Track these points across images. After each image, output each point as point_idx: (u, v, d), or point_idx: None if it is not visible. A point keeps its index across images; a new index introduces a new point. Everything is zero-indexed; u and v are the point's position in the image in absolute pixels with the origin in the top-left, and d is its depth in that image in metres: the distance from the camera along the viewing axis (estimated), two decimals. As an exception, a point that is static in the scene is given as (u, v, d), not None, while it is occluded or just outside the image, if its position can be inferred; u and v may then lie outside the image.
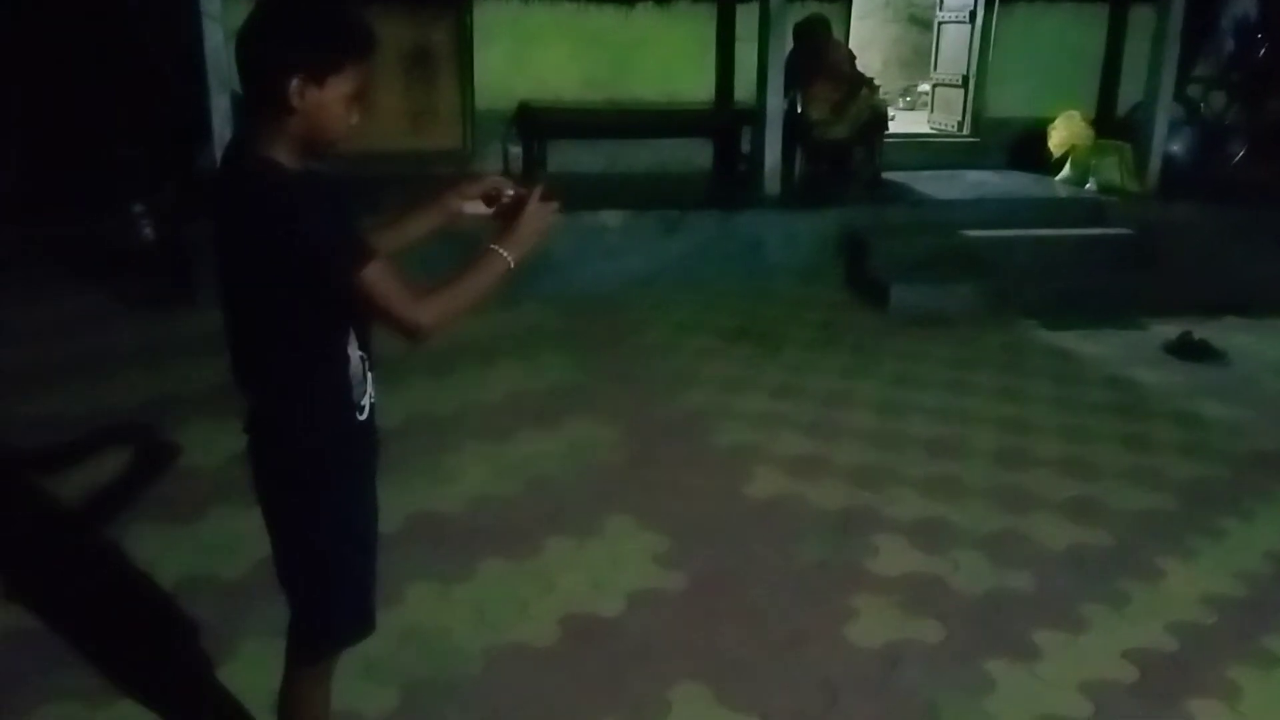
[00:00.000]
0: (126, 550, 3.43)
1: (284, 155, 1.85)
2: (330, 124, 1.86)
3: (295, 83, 1.79)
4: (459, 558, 3.43)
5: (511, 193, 2.11)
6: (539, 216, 2.02)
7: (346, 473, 2.04)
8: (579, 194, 7.31)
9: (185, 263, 6.18)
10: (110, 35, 7.28)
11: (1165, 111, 7.95)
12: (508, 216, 2.05)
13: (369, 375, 2.03)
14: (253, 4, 1.87)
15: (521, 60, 8.12)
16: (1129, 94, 8.85)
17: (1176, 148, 8.45)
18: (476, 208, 2.17)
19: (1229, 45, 9.00)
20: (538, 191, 2.05)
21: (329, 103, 1.83)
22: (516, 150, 8.00)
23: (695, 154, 8.64)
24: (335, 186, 1.93)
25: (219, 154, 6.34)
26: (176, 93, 6.93)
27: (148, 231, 6.42)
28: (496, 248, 1.95)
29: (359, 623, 2.14)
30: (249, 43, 1.82)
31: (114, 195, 6.63)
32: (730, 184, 8.22)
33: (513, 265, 1.95)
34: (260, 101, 1.83)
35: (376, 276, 1.79)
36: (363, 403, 2.02)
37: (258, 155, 1.84)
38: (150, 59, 7.26)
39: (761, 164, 7.41)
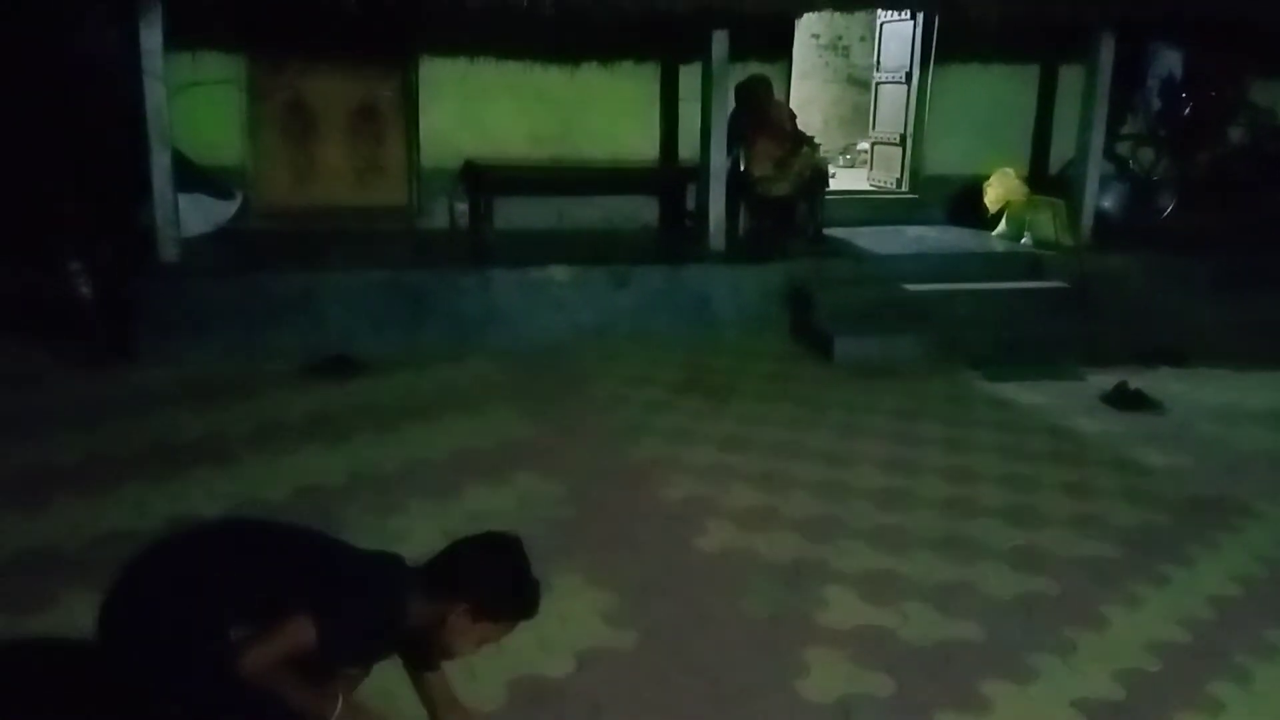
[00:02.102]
0: (60, 625, 3.31)
1: (415, 610, 2.25)
2: (453, 646, 2.29)
3: (462, 608, 2.22)
4: (405, 619, 3.36)
5: None
6: None
7: None
8: (527, 249, 7.35)
9: (123, 321, 6.08)
10: (50, 91, 7.19)
11: (1096, 168, 8.19)
12: None
13: None
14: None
15: (468, 117, 8.16)
16: (1061, 151, 9.11)
17: (1108, 202, 8.70)
18: None
19: (1155, 103, 9.32)
20: None
21: (468, 635, 2.27)
22: (463, 207, 8.02)
23: (641, 210, 8.71)
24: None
25: (159, 212, 6.33)
26: (116, 150, 6.86)
27: (85, 289, 6.30)
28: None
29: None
30: (460, 560, 2.32)
31: (51, 252, 6.51)
32: (676, 239, 8.30)
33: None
34: (433, 593, 2.26)
35: (295, 643, 2.09)
36: None
37: (406, 593, 2.26)
38: (90, 116, 7.18)
39: (706, 220, 7.50)
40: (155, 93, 6.25)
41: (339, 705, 2.14)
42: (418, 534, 4.03)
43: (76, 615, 3.30)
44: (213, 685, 2.09)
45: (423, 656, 2.44)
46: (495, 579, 2.28)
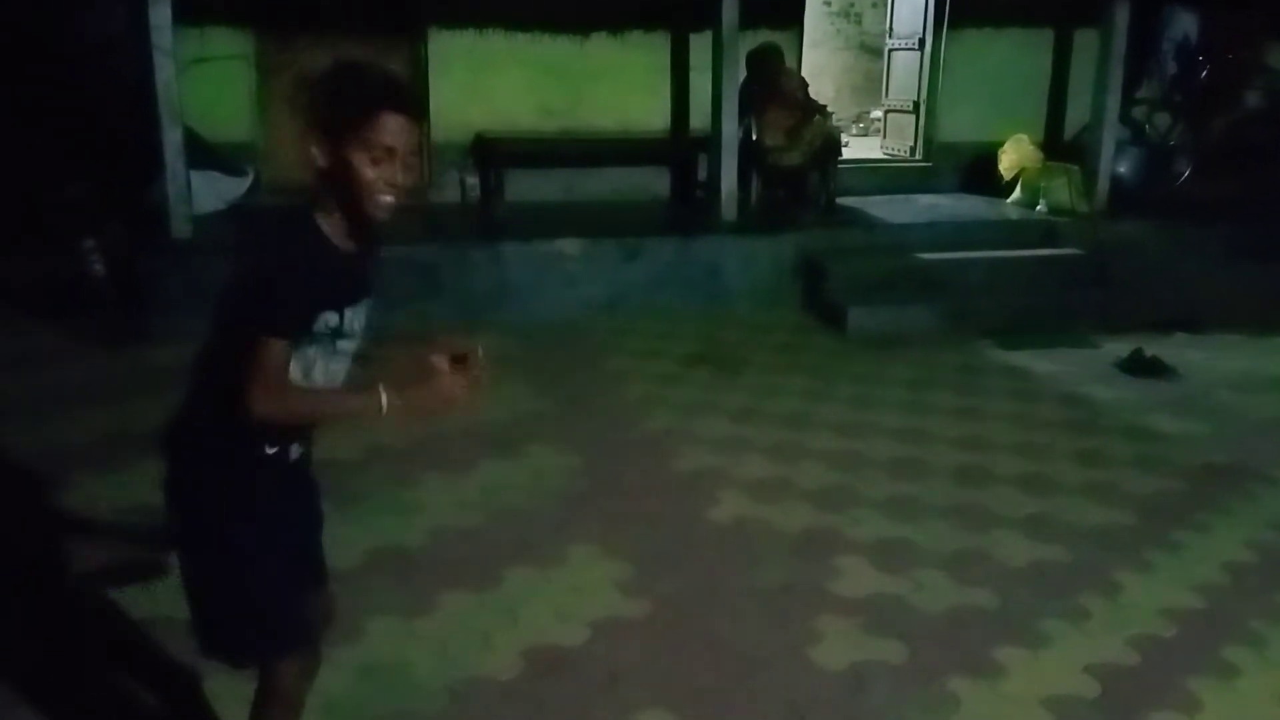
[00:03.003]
0: (85, 593, 3.36)
1: (325, 219, 1.95)
2: (354, 181, 1.91)
3: (317, 143, 1.91)
4: (420, 591, 3.39)
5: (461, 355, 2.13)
6: (445, 391, 2.03)
7: (258, 508, 2.06)
8: (537, 222, 7.34)
9: (137, 299, 6.11)
10: (60, 69, 7.21)
11: (1111, 133, 8.11)
12: (434, 369, 2.08)
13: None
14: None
15: (477, 90, 8.13)
16: (1076, 117, 9.02)
17: (1124, 169, 8.62)
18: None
19: (1171, 67, 9.20)
20: (462, 369, 2.08)
21: (349, 160, 1.90)
22: (474, 180, 8.00)
23: (652, 181, 8.68)
24: (340, 269, 1.98)
25: (171, 188, 6.34)
26: (127, 127, 6.86)
27: (99, 267, 6.33)
28: (383, 394, 1.95)
29: (291, 622, 2.14)
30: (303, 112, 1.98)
31: (64, 231, 6.55)
32: (687, 211, 8.27)
33: (385, 413, 1.96)
34: (310, 167, 1.96)
35: (266, 351, 1.85)
36: (288, 448, 2.08)
37: (302, 209, 1.96)
38: (100, 93, 7.19)
39: (718, 191, 7.46)
40: (165, 69, 6.24)
41: (383, 400, 1.95)
42: (432, 507, 4.07)
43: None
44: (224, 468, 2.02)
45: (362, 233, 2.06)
46: (329, 81, 1.96)
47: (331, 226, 1.95)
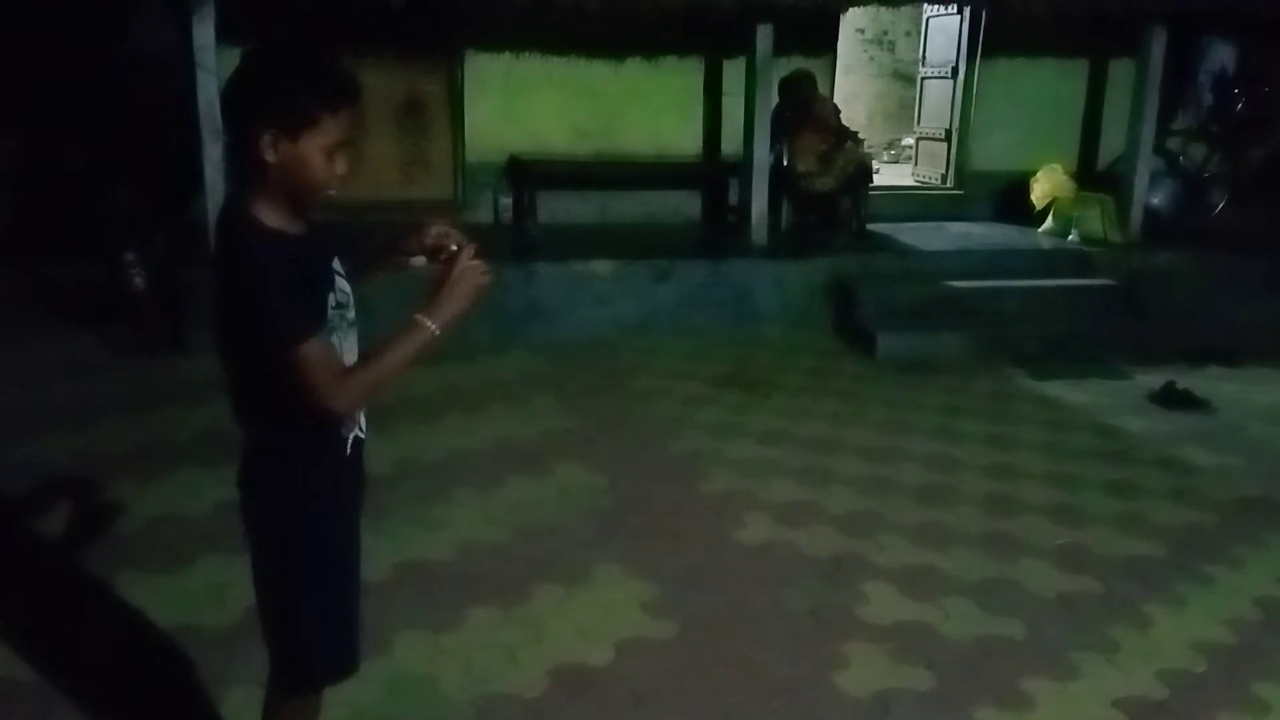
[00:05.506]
0: (114, 598, 3.40)
1: (266, 209, 1.88)
2: (309, 177, 1.87)
3: (268, 137, 1.82)
4: (448, 606, 3.41)
5: (454, 247, 2.04)
6: (466, 281, 1.96)
7: (325, 506, 2.05)
8: (569, 243, 7.39)
9: (175, 311, 6.20)
10: (104, 85, 7.35)
11: (1146, 163, 8.08)
12: (445, 271, 1.99)
13: (360, 412, 2.07)
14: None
15: (512, 112, 8.21)
16: (1110, 147, 9.00)
17: (1158, 199, 8.57)
18: (421, 261, 2.13)
19: (1207, 98, 9.17)
20: (466, 251, 1.99)
21: (306, 156, 1.85)
22: (507, 201, 8.07)
23: (684, 204, 8.73)
24: (309, 249, 1.94)
25: (211, 203, 6.45)
26: (169, 142, 6.99)
27: (139, 280, 6.43)
28: (421, 318, 1.91)
29: (338, 659, 2.13)
30: (227, 99, 1.88)
31: (106, 243, 6.66)
32: (719, 234, 8.30)
33: (438, 334, 1.91)
34: (241, 156, 1.88)
35: (307, 356, 1.80)
36: (347, 437, 2.06)
37: (238, 211, 1.88)
38: (144, 109, 7.33)
39: (749, 215, 7.50)
40: (207, 86, 6.37)
41: (428, 324, 1.89)
42: (461, 522, 4.10)
43: (132, 595, 3.40)
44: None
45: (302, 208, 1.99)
46: (282, 75, 1.85)
47: (274, 215, 1.89)
